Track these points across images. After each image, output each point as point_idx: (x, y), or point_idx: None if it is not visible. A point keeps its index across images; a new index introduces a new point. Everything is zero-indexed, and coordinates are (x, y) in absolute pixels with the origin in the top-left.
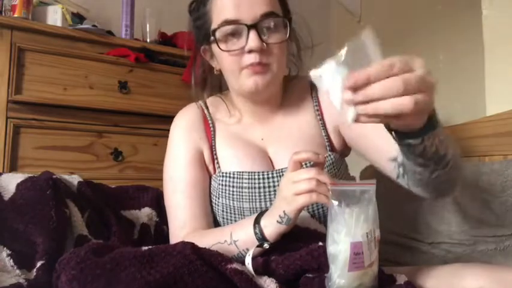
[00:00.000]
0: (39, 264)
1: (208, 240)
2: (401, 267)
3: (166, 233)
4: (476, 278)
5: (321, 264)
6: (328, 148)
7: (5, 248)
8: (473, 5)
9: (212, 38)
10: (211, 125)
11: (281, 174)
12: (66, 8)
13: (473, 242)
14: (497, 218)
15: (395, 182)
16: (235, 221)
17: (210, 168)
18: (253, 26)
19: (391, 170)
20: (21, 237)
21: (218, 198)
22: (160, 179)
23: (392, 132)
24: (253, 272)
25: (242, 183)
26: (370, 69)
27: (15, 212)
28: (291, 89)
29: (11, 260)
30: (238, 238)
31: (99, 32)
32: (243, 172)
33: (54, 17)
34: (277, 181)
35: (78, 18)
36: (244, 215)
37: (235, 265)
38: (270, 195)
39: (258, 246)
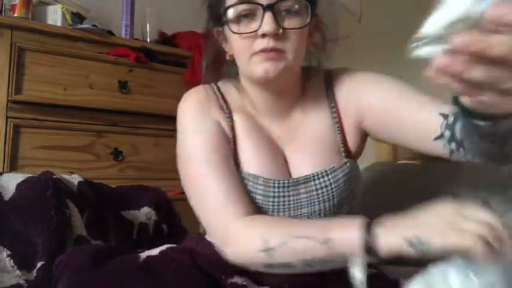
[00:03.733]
0: (39, 264)
1: (289, 231)
2: (403, 268)
3: (165, 232)
4: None
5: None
6: (343, 154)
7: (5, 249)
8: None
9: (224, 18)
10: (227, 113)
11: (297, 183)
12: (66, 8)
13: None
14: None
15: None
16: None
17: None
18: (270, 7)
19: (439, 150)
20: (22, 237)
21: None
22: (160, 179)
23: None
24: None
25: (257, 188)
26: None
27: (16, 212)
28: (308, 84)
29: (11, 261)
30: (334, 237)
31: (99, 32)
32: (259, 177)
33: (54, 16)
34: (292, 191)
35: (78, 18)
36: None
37: (235, 279)
38: (280, 205)
39: (367, 254)
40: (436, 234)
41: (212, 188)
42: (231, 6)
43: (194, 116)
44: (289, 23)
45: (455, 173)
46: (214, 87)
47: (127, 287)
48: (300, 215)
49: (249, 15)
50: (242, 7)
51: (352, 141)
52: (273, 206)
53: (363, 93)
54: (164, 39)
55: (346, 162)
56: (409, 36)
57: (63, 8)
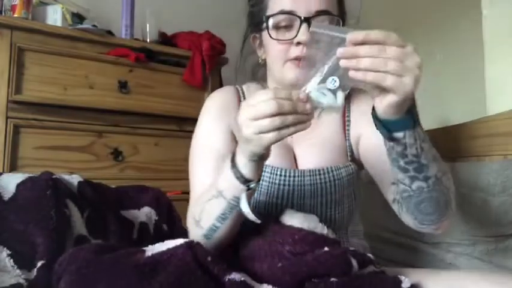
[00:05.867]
0: (39, 264)
1: (202, 200)
2: (404, 268)
3: (166, 231)
4: (480, 286)
5: (328, 269)
6: (349, 158)
7: (5, 248)
8: (473, 5)
9: (265, 24)
10: None
11: (303, 175)
12: (66, 8)
13: (473, 242)
14: (497, 218)
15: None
16: None
17: None
18: (306, 20)
19: (390, 193)
20: (21, 237)
21: None
22: (160, 179)
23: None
24: (256, 219)
25: (264, 175)
26: (369, 31)
27: (15, 212)
28: None
29: (11, 260)
30: (222, 188)
31: (99, 32)
32: (266, 165)
33: (54, 16)
34: (297, 181)
35: (78, 18)
36: (258, 208)
37: (233, 275)
38: (288, 193)
39: (247, 190)
40: (252, 148)
41: (198, 177)
42: (273, 15)
43: (213, 115)
44: None
45: (455, 173)
46: (239, 88)
47: (130, 283)
48: (303, 204)
49: (287, 26)
50: (282, 17)
51: (356, 151)
52: (277, 192)
53: (371, 123)
54: (164, 39)
55: (350, 164)
56: (409, 36)
57: (63, 8)
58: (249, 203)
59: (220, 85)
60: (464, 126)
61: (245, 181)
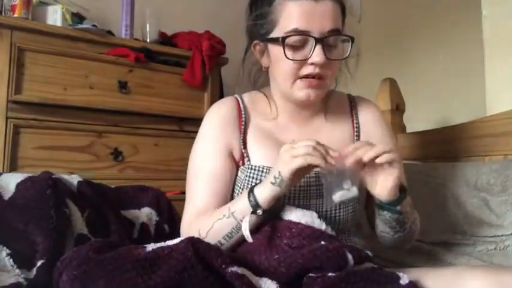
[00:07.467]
0: (39, 263)
1: (211, 219)
2: (403, 269)
3: (167, 232)
4: (478, 280)
5: (323, 263)
6: None
7: (4, 248)
8: (473, 5)
9: (280, 42)
10: (243, 119)
11: (309, 176)
12: (66, 8)
13: (473, 242)
14: (497, 218)
15: None
16: None
17: (239, 162)
18: (321, 40)
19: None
20: (21, 236)
21: (242, 190)
22: (160, 179)
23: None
24: (250, 237)
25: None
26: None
27: (15, 212)
28: (332, 99)
29: (11, 260)
30: (235, 209)
31: (99, 32)
32: (271, 167)
33: (54, 17)
34: (305, 181)
35: (78, 18)
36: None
37: (235, 268)
38: (294, 193)
39: (252, 213)
40: (282, 167)
41: (193, 190)
42: (289, 36)
43: (212, 130)
44: (333, 54)
45: (455, 173)
46: (239, 98)
47: (131, 277)
48: (309, 204)
49: (300, 45)
50: (298, 38)
51: None
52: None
53: (376, 130)
54: (164, 39)
55: None
56: (409, 36)
57: (63, 8)
58: (250, 229)
59: (220, 85)
60: (464, 126)
61: (256, 205)
